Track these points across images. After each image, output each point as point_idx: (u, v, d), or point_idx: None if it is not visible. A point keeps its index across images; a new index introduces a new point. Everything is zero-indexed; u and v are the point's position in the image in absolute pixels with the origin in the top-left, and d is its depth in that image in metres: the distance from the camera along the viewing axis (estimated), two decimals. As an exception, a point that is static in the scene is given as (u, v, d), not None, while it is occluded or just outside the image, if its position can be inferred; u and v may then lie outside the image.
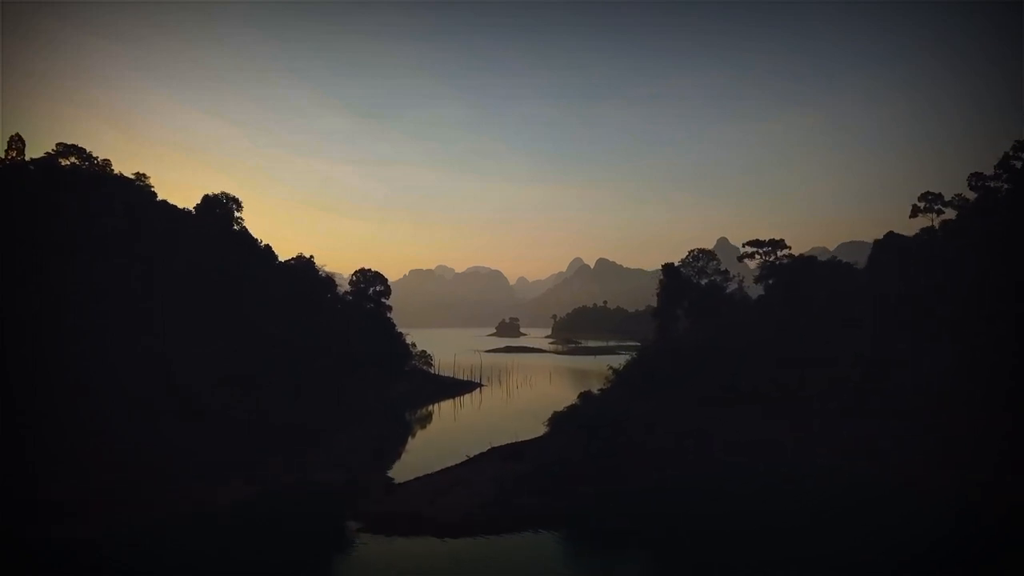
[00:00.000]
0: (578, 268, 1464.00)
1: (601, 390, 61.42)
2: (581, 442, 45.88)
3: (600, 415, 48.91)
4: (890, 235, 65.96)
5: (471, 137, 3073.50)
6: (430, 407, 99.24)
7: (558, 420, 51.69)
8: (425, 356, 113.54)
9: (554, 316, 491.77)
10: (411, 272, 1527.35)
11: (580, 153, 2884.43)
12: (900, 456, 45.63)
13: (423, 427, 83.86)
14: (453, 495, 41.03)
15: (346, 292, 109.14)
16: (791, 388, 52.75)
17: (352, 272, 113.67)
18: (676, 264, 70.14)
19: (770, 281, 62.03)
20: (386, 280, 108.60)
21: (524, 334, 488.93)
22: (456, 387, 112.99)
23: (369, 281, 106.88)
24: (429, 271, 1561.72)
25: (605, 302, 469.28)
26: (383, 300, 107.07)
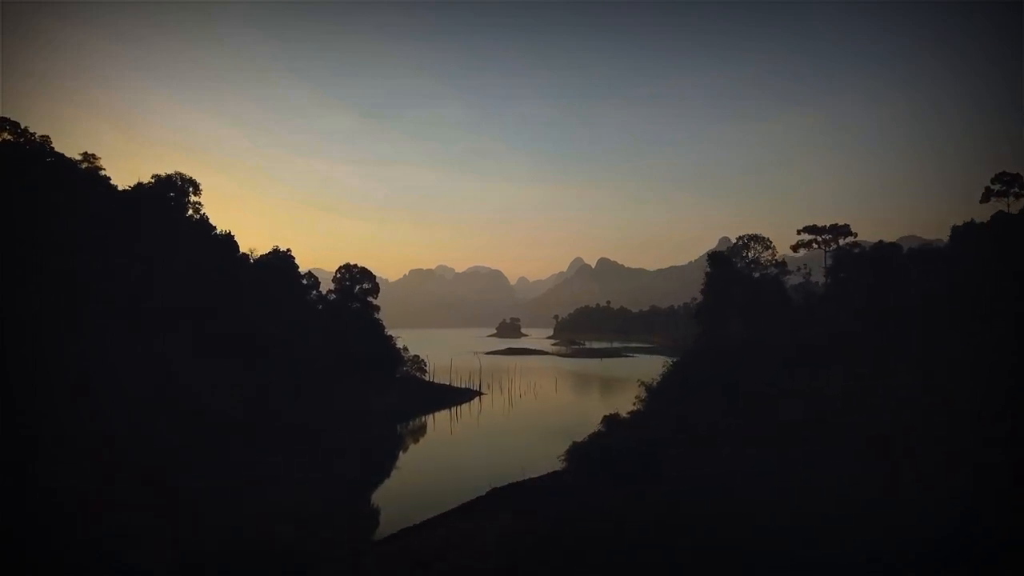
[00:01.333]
0: (579, 268, 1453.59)
1: (631, 412, 48.73)
2: (608, 488, 34.55)
3: (632, 451, 37.37)
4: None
5: (471, 137, 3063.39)
6: (423, 419, 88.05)
7: (578, 456, 40.12)
8: (418, 362, 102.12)
9: (556, 316, 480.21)
10: (411, 272, 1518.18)
11: (580, 153, 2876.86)
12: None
13: (414, 444, 72.61)
14: (445, 565, 29.75)
15: (330, 290, 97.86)
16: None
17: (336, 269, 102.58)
18: (725, 252, 57.75)
19: (841, 274, 50.12)
20: (374, 277, 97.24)
21: (525, 335, 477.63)
22: (452, 396, 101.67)
23: (355, 278, 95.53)
24: (429, 271, 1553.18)
25: (608, 302, 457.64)
26: (370, 299, 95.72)
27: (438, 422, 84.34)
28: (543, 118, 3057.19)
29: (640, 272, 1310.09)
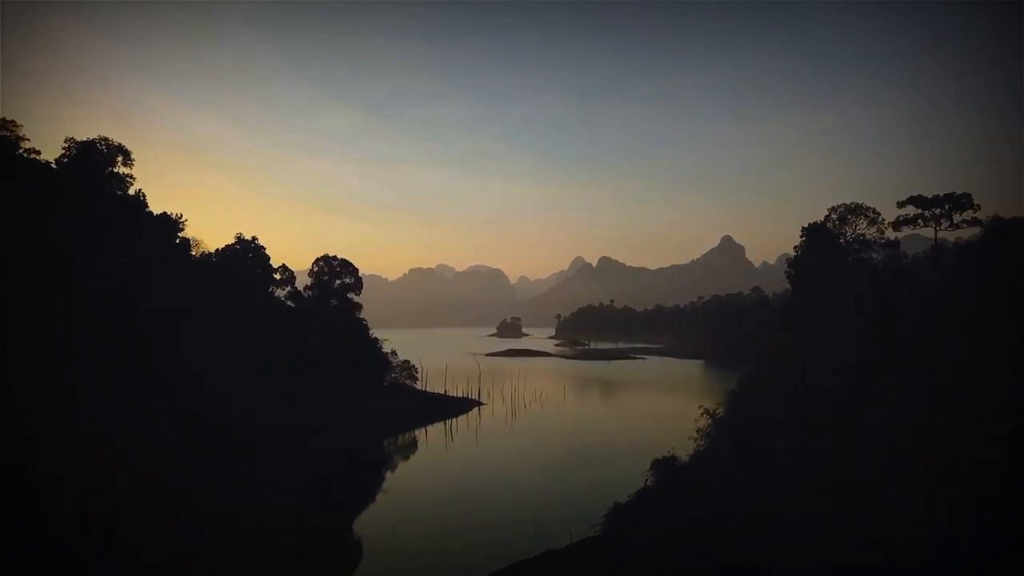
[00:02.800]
0: (580, 267, 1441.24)
1: (695, 452, 34.00)
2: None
3: (710, 524, 23.96)
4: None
5: (472, 137, 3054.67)
6: (411, 435, 75.42)
7: (619, 522, 26.75)
8: (408, 368, 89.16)
9: (558, 316, 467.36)
10: (411, 271, 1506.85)
11: (581, 153, 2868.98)
12: None
13: (393, 473, 59.66)
14: None
15: (307, 286, 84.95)
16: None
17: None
18: (827, 225, 43.27)
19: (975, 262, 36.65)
20: (356, 270, 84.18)
21: (526, 334, 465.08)
22: (448, 407, 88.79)
23: (334, 272, 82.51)
24: (429, 270, 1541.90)
25: (612, 301, 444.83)
26: (350, 295, 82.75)
27: (429, 443, 71.42)
28: (544, 118, 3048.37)
29: (642, 271, 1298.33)
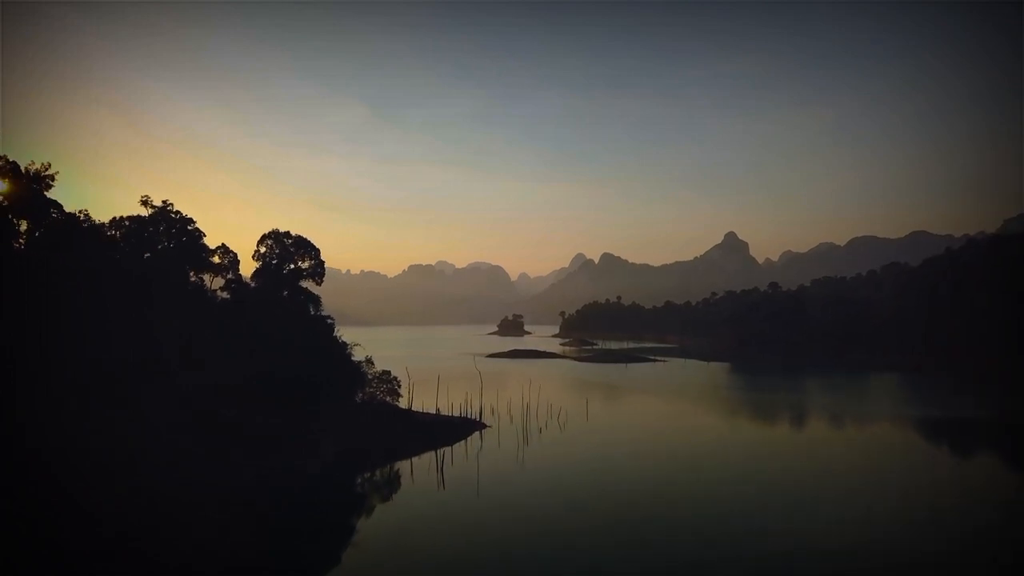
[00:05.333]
0: (581, 263, 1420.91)
1: None
2: None
3: None
4: None
5: (472, 135, 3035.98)
6: (392, 472, 54.93)
7: None
8: (387, 380, 67.98)
9: (562, 313, 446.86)
10: (410, 267, 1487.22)
11: (583, 151, 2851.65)
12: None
13: (356, 539, 38.55)
14: None
15: (256, 271, 64.00)
16: None
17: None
18: None
19: None
20: (317, 251, 62.92)
21: (528, 333, 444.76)
22: (439, 432, 67.74)
23: (286, 252, 61.39)
24: (429, 266, 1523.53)
25: (619, 298, 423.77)
26: (306, 285, 61.65)
27: (412, 487, 50.43)
28: (546, 116, 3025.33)
29: (645, 268, 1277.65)
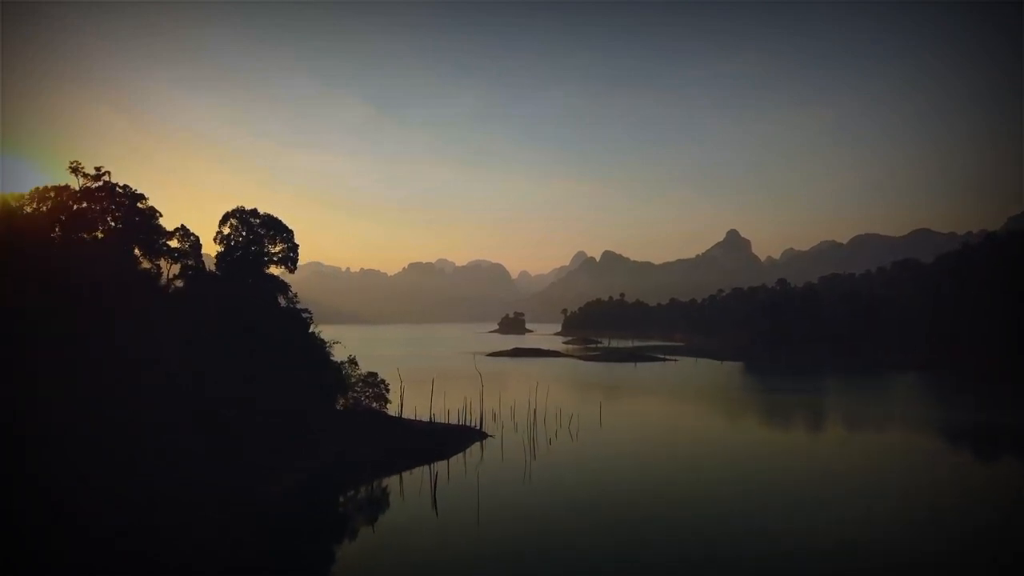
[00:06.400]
0: (582, 261, 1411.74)
1: None
2: None
3: None
4: None
5: (473, 133, 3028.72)
6: (379, 489, 46.46)
7: None
8: (374, 383, 58.98)
9: (564, 311, 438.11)
10: (410, 265, 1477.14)
11: (583, 150, 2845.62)
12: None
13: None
14: None
15: (219, 253, 54.96)
16: None
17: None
18: None
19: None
20: (289, 233, 53.86)
21: (530, 331, 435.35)
22: (433, 442, 58.94)
23: (254, 234, 52.37)
24: (429, 264, 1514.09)
25: (623, 295, 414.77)
26: (277, 272, 52.72)
27: (400, 512, 41.63)
28: (546, 115, 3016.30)
29: (646, 266, 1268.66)
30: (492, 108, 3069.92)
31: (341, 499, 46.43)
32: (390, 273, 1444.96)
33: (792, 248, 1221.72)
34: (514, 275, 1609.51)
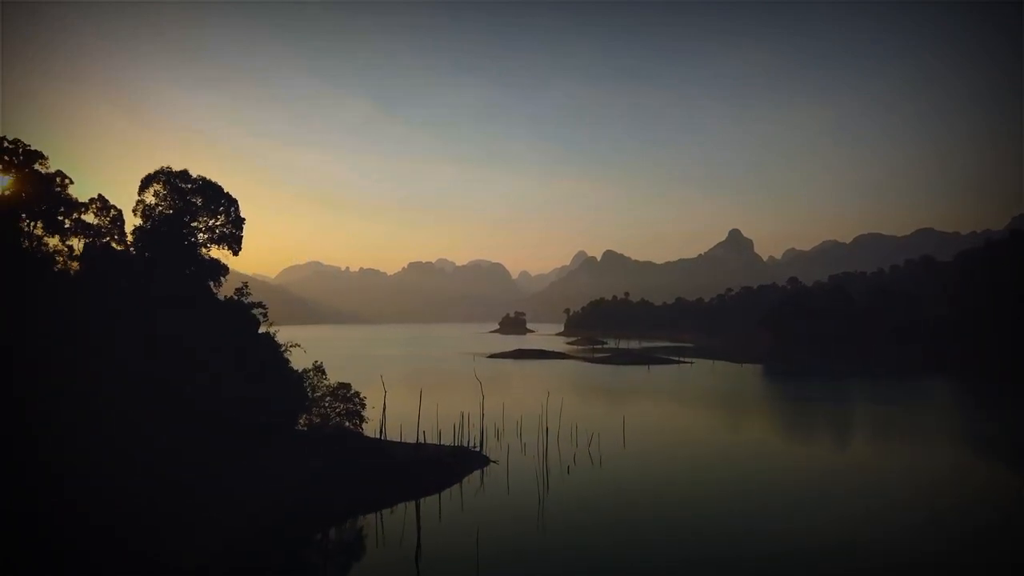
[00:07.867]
0: (583, 261, 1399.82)
1: None
2: None
3: None
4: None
5: (474, 133, 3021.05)
6: (344, 534, 34.82)
7: None
8: (346, 396, 46.72)
9: (567, 310, 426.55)
10: (410, 265, 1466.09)
11: (584, 149, 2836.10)
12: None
13: None
14: None
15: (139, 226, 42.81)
16: None
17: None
18: None
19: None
20: (233, 204, 41.45)
21: (531, 331, 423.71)
22: (423, 473, 46.68)
23: (185, 202, 40.24)
24: (429, 264, 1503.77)
25: (627, 294, 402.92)
26: (213, 254, 40.61)
27: (394, 543, 29.83)
28: (547, 114, 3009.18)
29: (647, 265, 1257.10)
30: (493, 107, 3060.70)
31: (299, 550, 34.33)
32: (390, 273, 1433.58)
33: (793, 248, 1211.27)
34: (514, 275, 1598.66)
